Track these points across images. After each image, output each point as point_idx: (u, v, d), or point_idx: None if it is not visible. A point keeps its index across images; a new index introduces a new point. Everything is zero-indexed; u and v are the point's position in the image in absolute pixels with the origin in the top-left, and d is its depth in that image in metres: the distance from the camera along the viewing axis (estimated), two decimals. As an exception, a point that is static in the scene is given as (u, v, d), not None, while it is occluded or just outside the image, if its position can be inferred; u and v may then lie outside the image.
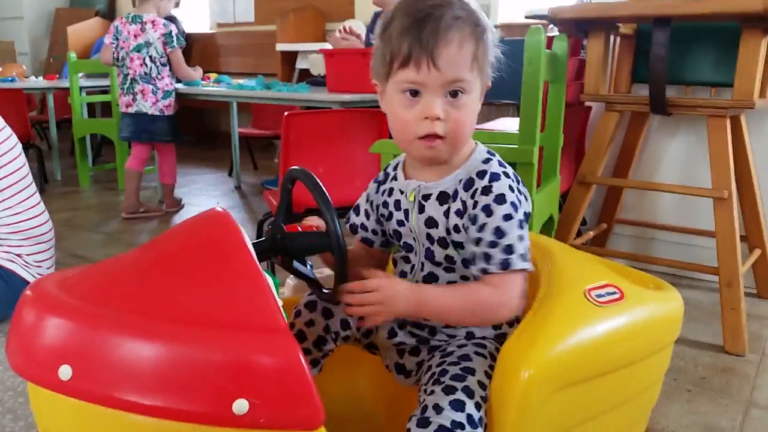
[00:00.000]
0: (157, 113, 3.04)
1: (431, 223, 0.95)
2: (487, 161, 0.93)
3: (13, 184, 1.88)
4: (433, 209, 0.94)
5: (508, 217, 0.88)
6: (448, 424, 0.80)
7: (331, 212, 0.95)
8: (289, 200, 1.13)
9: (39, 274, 1.93)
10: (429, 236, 0.96)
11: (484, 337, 0.96)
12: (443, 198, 0.94)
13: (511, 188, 0.90)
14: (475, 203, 0.89)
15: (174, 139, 3.15)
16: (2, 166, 1.85)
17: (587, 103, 2.42)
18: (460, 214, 0.92)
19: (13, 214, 1.87)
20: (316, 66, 4.63)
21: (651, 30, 1.82)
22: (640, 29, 2.09)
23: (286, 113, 2.07)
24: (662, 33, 1.79)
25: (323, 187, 0.99)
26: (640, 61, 2.11)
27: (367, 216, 1.06)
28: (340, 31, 3.09)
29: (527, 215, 0.92)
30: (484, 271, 0.89)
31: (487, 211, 0.88)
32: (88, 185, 3.97)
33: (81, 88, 3.92)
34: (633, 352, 0.94)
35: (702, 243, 2.23)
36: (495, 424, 0.86)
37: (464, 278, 0.96)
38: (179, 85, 3.19)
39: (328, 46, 3.25)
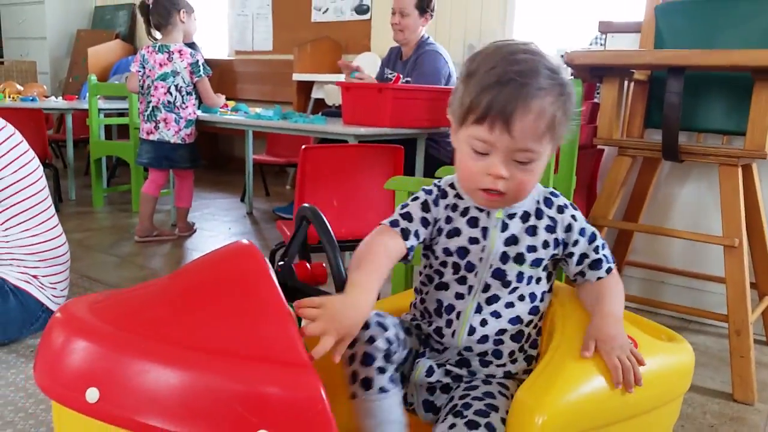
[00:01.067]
0: (179, 141, 3.08)
1: (512, 240, 0.99)
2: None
3: (33, 206, 1.91)
4: (517, 227, 0.99)
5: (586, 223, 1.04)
6: None
7: (335, 251, 1.03)
8: (304, 237, 1.18)
9: (53, 295, 1.96)
10: (505, 255, 0.99)
11: (516, 373, 1.01)
12: (526, 216, 1.01)
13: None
14: (564, 218, 1.01)
15: (193, 165, 3.19)
16: (23, 189, 1.89)
17: (600, 146, 2.44)
18: (551, 229, 1.01)
19: (31, 236, 1.90)
20: (331, 96, 4.70)
21: (665, 77, 1.85)
22: (654, 76, 2.12)
23: (303, 146, 2.10)
24: (676, 82, 1.82)
25: (329, 227, 1.07)
26: (653, 106, 2.14)
27: (425, 225, 1.03)
28: (351, 67, 3.17)
29: None
30: (609, 270, 1.04)
31: (578, 222, 1.02)
32: (102, 206, 4.01)
33: (99, 110, 3.98)
34: (644, 402, 0.95)
35: (711, 288, 2.24)
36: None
37: (521, 298, 1.01)
38: (198, 112, 3.24)
39: (343, 78, 3.30)
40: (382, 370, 0.93)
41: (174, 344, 0.83)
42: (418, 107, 2.82)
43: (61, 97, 4.87)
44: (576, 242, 1.02)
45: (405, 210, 1.04)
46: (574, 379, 0.89)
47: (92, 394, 0.84)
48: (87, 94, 4.24)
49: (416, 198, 1.05)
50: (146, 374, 0.81)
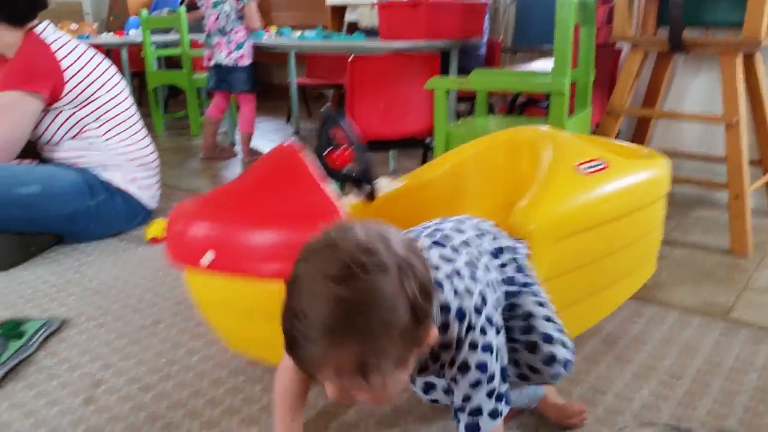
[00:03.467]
0: (231, 64, 3.36)
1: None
2: None
3: (127, 119, 2.25)
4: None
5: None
6: None
7: (360, 145, 1.35)
8: (327, 137, 1.51)
9: (150, 196, 2.33)
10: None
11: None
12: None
13: None
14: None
15: (251, 89, 3.45)
16: (118, 104, 2.22)
17: (618, 46, 2.68)
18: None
19: (127, 145, 2.24)
20: (365, 18, 4.91)
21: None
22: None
23: (351, 57, 2.39)
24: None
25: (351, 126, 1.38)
26: (664, 5, 2.36)
27: None
28: None
29: None
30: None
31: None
32: (162, 130, 4.38)
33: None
34: (619, 208, 1.29)
35: (722, 170, 2.50)
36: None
37: None
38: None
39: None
40: None
41: (254, 215, 1.19)
42: (450, 20, 3.06)
43: (112, 33, 5.17)
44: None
45: None
46: (555, 197, 1.21)
47: (209, 256, 1.19)
48: (132, 30, 4.50)
49: None
50: (241, 237, 1.17)
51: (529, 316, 0.98)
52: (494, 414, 0.84)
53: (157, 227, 2.19)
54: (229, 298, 1.21)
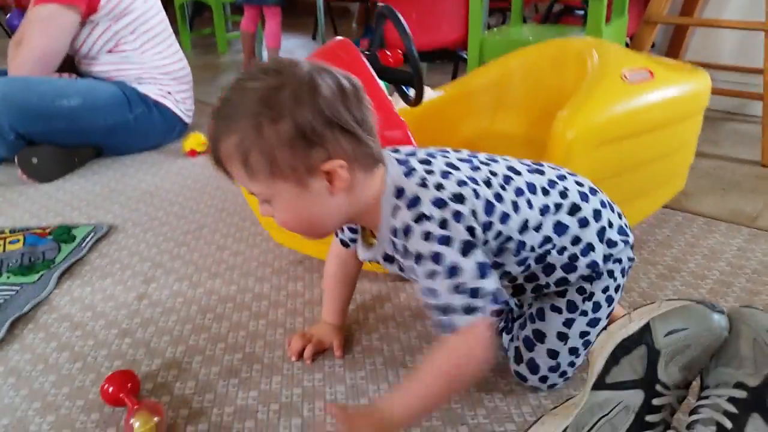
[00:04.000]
0: None
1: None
2: None
3: (160, 33, 2.28)
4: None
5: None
6: None
7: (410, 41, 1.32)
8: (382, 31, 1.48)
9: (186, 109, 2.38)
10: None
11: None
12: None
13: None
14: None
15: (279, 2, 3.45)
16: (152, 17, 2.24)
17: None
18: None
19: (162, 58, 2.27)
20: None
21: None
22: None
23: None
24: None
25: (403, 21, 1.34)
26: None
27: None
28: None
29: None
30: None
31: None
32: (189, 48, 4.38)
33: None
34: (661, 118, 1.30)
35: (758, 82, 2.45)
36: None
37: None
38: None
39: None
40: None
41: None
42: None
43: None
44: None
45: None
46: (598, 103, 1.23)
47: None
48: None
49: None
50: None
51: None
52: (468, 310, 0.79)
53: (194, 140, 2.25)
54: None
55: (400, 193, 0.82)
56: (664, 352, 0.74)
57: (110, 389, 1.02)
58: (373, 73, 1.25)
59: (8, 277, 1.46)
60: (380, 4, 1.44)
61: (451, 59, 2.68)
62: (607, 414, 0.75)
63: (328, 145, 0.76)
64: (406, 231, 0.81)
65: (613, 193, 1.32)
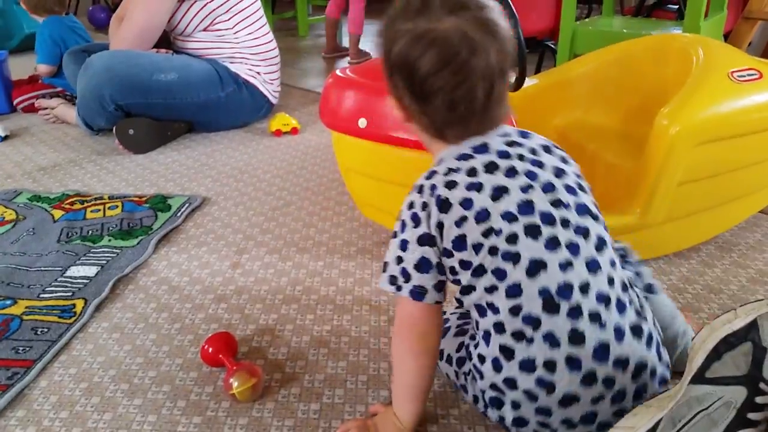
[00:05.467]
0: None
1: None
2: None
3: (253, 13, 2.35)
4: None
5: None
6: None
7: (517, 22, 1.30)
8: None
9: (273, 90, 2.44)
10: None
11: None
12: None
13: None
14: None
15: None
16: (245, -2, 2.32)
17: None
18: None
19: (254, 38, 2.34)
20: None
21: None
22: None
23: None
24: None
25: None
26: None
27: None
28: None
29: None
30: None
31: None
32: (271, 30, 4.46)
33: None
34: (766, 120, 1.25)
35: None
36: (646, 168, 1.22)
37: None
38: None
39: None
40: None
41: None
42: None
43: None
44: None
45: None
46: (703, 101, 1.20)
47: (362, 123, 1.27)
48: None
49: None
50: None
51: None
52: (390, 280, 0.83)
53: (279, 120, 2.32)
54: (372, 163, 1.33)
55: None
56: (770, 351, 0.73)
57: (210, 350, 1.08)
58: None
59: (109, 240, 1.55)
60: None
61: (537, 48, 2.66)
62: (706, 408, 0.75)
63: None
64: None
65: (711, 194, 1.30)
